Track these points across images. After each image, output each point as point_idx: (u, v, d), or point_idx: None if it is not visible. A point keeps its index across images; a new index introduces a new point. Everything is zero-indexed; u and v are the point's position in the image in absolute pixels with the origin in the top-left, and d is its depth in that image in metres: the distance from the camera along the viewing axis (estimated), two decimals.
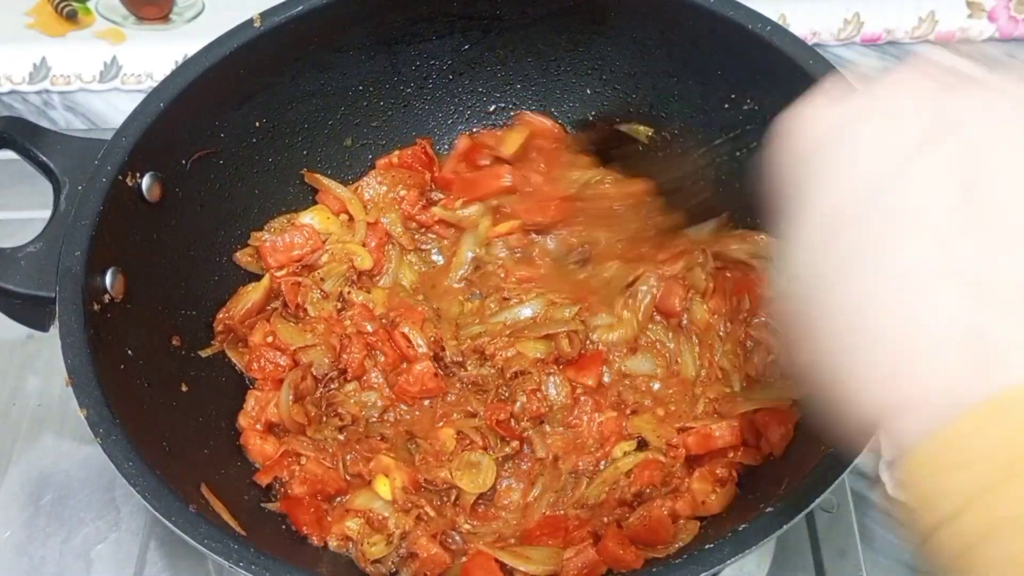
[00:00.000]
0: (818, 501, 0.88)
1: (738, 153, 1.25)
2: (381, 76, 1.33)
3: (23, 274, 1.01)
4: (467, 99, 1.40)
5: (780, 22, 1.73)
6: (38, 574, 1.24)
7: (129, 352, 1.03)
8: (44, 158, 1.07)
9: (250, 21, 1.17)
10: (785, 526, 0.88)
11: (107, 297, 1.02)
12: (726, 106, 1.24)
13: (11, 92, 1.70)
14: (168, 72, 1.14)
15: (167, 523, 0.88)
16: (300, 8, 1.20)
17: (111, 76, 1.69)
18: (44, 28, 1.76)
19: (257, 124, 1.25)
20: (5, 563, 1.24)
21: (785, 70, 1.12)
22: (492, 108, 1.41)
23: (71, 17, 1.74)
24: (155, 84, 1.12)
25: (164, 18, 1.74)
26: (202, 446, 1.11)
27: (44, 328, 1.03)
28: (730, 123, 1.24)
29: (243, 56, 1.17)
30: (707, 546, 0.88)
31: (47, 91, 1.69)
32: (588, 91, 1.37)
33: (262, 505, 1.12)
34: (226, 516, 0.99)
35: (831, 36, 1.73)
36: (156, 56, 1.69)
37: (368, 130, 1.37)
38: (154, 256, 1.12)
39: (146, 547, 1.23)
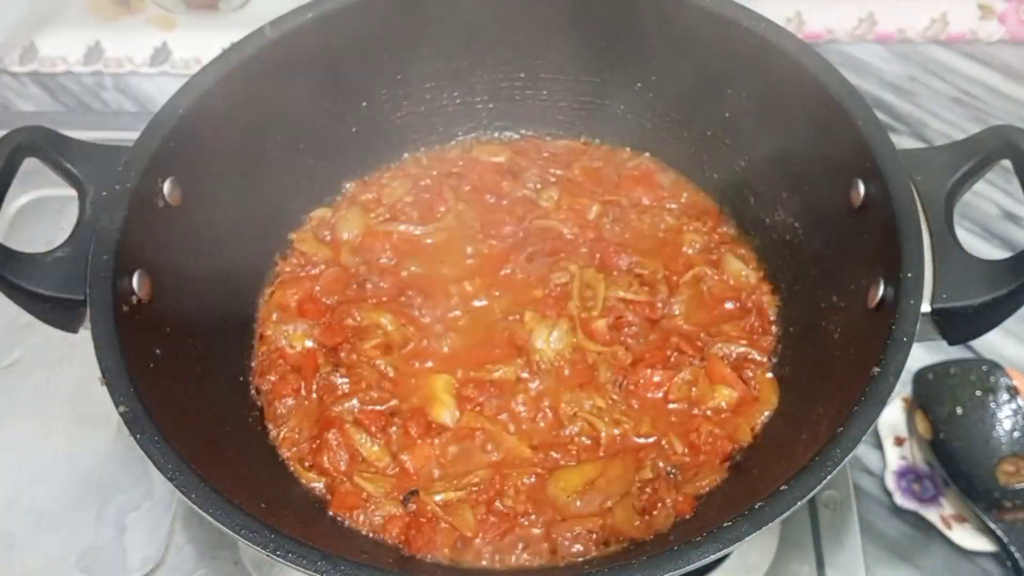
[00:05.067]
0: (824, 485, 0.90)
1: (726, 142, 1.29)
2: (392, 83, 1.34)
3: (53, 278, 1.02)
4: (477, 109, 1.40)
5: (795, 19, 1.75)
6: (75, 538, 1.29)
7: (158, 351, 1.04)
8: (68, 165, 1.08)
9: (262, 30, 1.20)
10: (800, 502, 0.89)
11: (135, 299, 1.04)
12: (719, 100, 1.27)
13: (66, 73, 1.79)
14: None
15: (204, 514, 0.90)
16: (309, 15, 1.21)
17: (161, 61, 1.72)
18: (99, 13, 1.84)
19: (273, 129, 1.26)
20: (45, 527, 1.29)
21: (780, 66, 1.15)
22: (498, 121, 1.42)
23: (124, 3, 1.75)
24: None
25: (213, 6, 1.77)
26: (234, 439, 1.11)
27: (74, 330, 1.05)
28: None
29: (256, 64, 1.18)
30: (725, 523, 0.88)
31: (100, 73, 1.74)
32: (598, 101, 1.39)
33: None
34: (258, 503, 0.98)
35: (845, 34, 1.74)
36: (204, 43, 1.72)
37: (382, 136, 1.37)
38: (178, 258, 1.13)
39: (176, 516, 1.28)
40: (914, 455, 1.31)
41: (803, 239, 1.20)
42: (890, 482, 1.30)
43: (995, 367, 1.30)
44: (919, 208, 1.00)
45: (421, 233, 1.31)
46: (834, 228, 1.13)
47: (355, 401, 1.16)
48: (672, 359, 1.18)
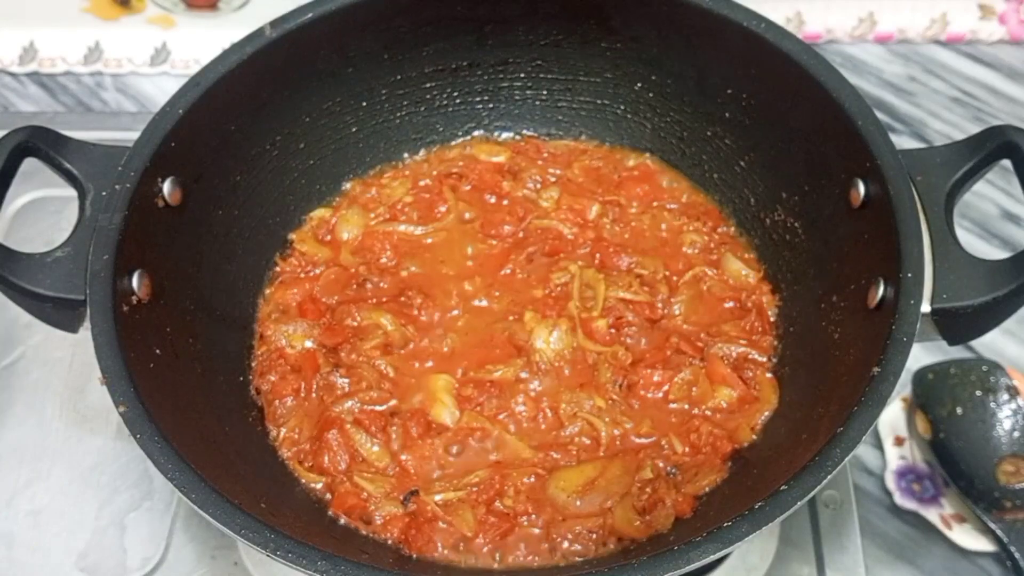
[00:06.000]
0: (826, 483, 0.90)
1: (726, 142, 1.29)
2: (392, 83, 1.34)
3: (53, 278, 1.02)
4: (477, 109, 1.41)
5: (795, 19, 1.76)
6: (74, 538, 1.29)
7: (158, 351, 1.05)
8: (68, 165, 1.08)
9: (262, 29, 1.20)
10: (800, 502, 0.89)
11: (134, 299, 1.04)
12: (719, 100, 1.27)
13: (66, 73, 1.81)
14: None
15: (204, 514, 0.90)
16: (309, 15, 1.21)
17: (161, 60, 1.73)
18: (98, 12, 1.86)
19: (273, 129, 1.26)
20: (45, 527, 1.29)
21: (780, 65, 1.15)
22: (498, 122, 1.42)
23: (124, 3, 1.79)
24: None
25: (212, 6, 1.77)
26: (234, 439, 1.11)
27: (74, 330, 1.05)
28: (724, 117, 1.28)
29: (256, 64, 1.18)
30: (725, 524, 0.88)
31: (100, 73, 1.76)
32: (598, 101, 1.39)
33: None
34: (258, 503, 0.99)
35: (845, 34, 1.75)
36: (204, 42, 1.73)
37: (382, 136, 1.37)
38: (178, 258, 1.14)
39: (176, 516, 1.28)
40: (914, 455, 1.32)
41: (803, 239, 1.20)
42: (890, 482, 1.30)
43: (995, 367, 1.30)
44: (919, 208, 1.00)
45: (421, 233, 1.32)
46: (834, 228, 1.13)
47: (355, 401, 1.16)
48: (672, 359, 1.18)
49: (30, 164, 1.06)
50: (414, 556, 1.07)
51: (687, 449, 1.13)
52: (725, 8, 1.18)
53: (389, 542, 1.08)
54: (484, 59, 1.35)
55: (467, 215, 1.33)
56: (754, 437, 1.13)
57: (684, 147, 1.34)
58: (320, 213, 1.33)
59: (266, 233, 1.28)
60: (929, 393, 1.31)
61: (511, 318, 1.23)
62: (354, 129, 1.34)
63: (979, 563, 1.25)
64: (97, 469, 1.32)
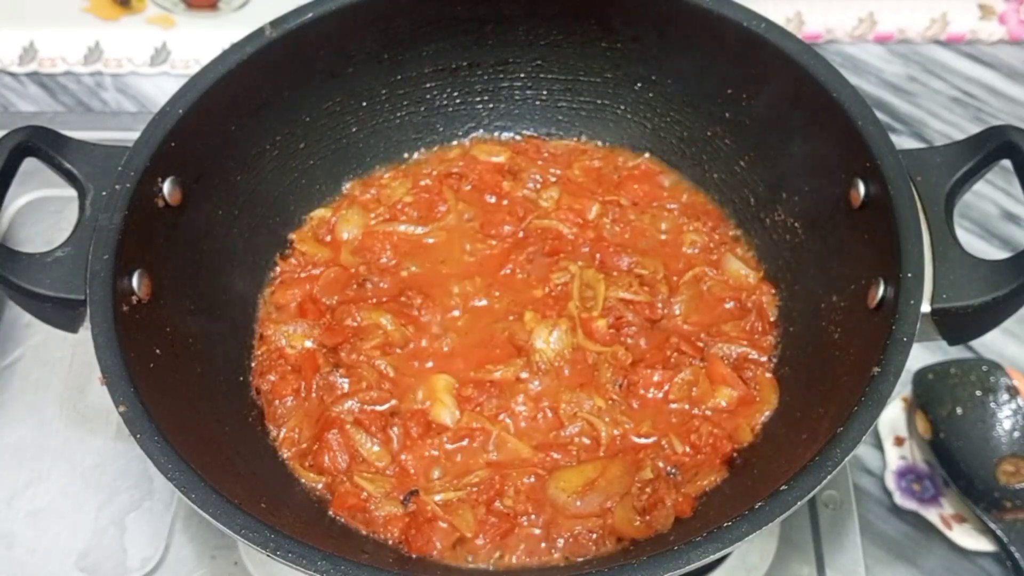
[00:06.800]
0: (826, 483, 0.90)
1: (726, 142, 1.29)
2: (392, 83, 1.34)
3: (53, 278, 1.02)
4: (477, 109, 1.41)
5: (795, 19, 1.78)
6: (74, 538, 1.29)
7: (158, 351, 1.05)
8: (68, 165, 1.08)
9: (262, 29, 1.20)
10: (800, 502, 0.89)
11: (134, 299, 1.04)
12: (719, 100, 1.27)
13: (66, 73, 1.81)
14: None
15: (204, 514, 0.90)
16: (309, 15, 1.21)
17: (161, 60, 1.73)
18: (99, 12, 1.86)
19: (273, 129, 1.26)
20: (44, 527, 1.29)
21: (780, 66, 1.15)
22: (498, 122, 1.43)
23: (124, 3, 1.79)
24: None
25: (212, 6, 1.77)
26: (234, 439, 1.11)
27: (74, 330, 1.05)
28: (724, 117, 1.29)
29: (256, 64, 1.19)
30: (725, 524, 0.88)
31: (100, 73, 1.77)
32: (598, 101, 1.39)
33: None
34: (258, 503, 0.99)
35: (845, 34, 1.76)
36: (204, 42, 1.74)
37: (382, 136, 1.37)
38: (178, 258, 1.14)
39: (176, 516, 1.28)
40: (914, 455, 1.32)
41: (803, 239, 1.20)
42: (890, 482, 1.30)
43: (995, 367, 1.30)
44: (919, 208, 1.00)
45: (421, 233, 1.32)
46: (834, 228, 1.13)
47: (355, 401, 1.16)
48: (672, 359, 1.18)
49: (30, 164, 1.06)
50: (414, 556, 1.07)
51: (687, 449, 1.13)
52: (725, 8, 1.18)
53: (389, 542, 1.08)
54: (484, 59, 1.35)
55: (467, 215, 1.33)
56: (754, 437, 1.13)
57: (684, 147, 1.34)
58: (320, 213, 1.34)
59: (266, 233, 1.28)
60: (929, 393, 1.31)
61: (511, 318, 1.23)
62: (354, 129, 1.34)
63: (979, 563, 1.25)
64: (97, 469, 1.31)
